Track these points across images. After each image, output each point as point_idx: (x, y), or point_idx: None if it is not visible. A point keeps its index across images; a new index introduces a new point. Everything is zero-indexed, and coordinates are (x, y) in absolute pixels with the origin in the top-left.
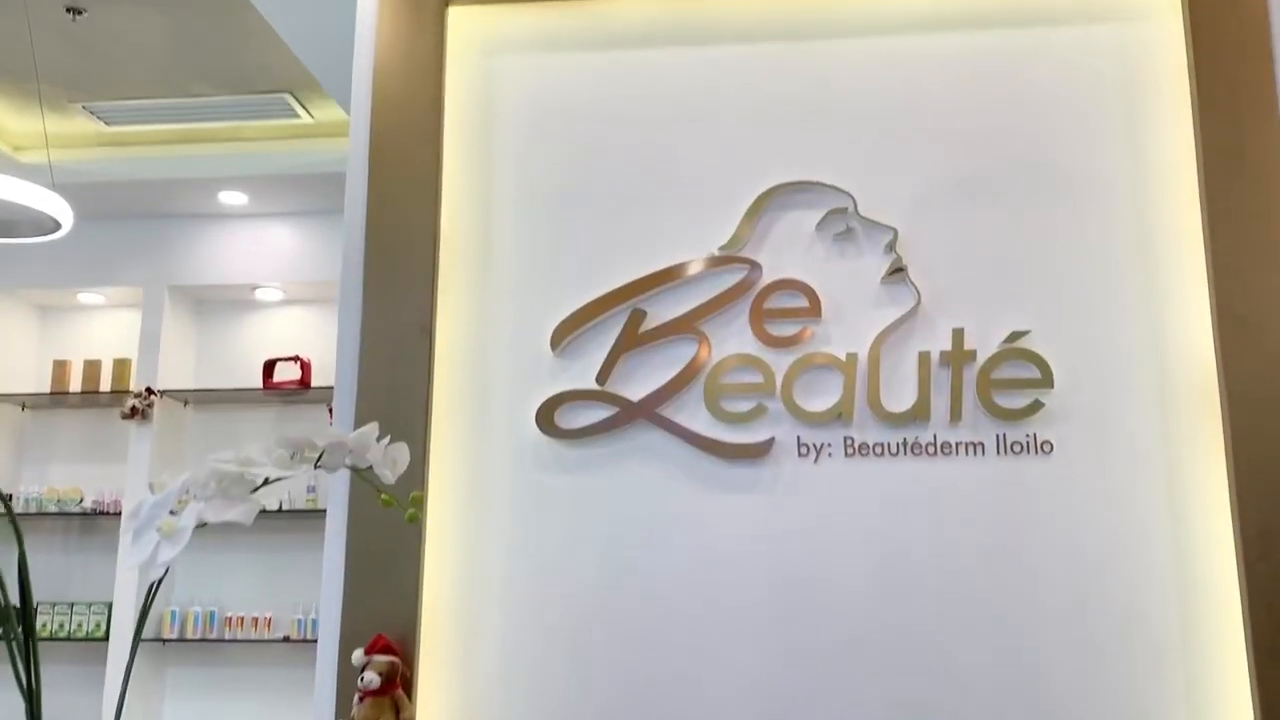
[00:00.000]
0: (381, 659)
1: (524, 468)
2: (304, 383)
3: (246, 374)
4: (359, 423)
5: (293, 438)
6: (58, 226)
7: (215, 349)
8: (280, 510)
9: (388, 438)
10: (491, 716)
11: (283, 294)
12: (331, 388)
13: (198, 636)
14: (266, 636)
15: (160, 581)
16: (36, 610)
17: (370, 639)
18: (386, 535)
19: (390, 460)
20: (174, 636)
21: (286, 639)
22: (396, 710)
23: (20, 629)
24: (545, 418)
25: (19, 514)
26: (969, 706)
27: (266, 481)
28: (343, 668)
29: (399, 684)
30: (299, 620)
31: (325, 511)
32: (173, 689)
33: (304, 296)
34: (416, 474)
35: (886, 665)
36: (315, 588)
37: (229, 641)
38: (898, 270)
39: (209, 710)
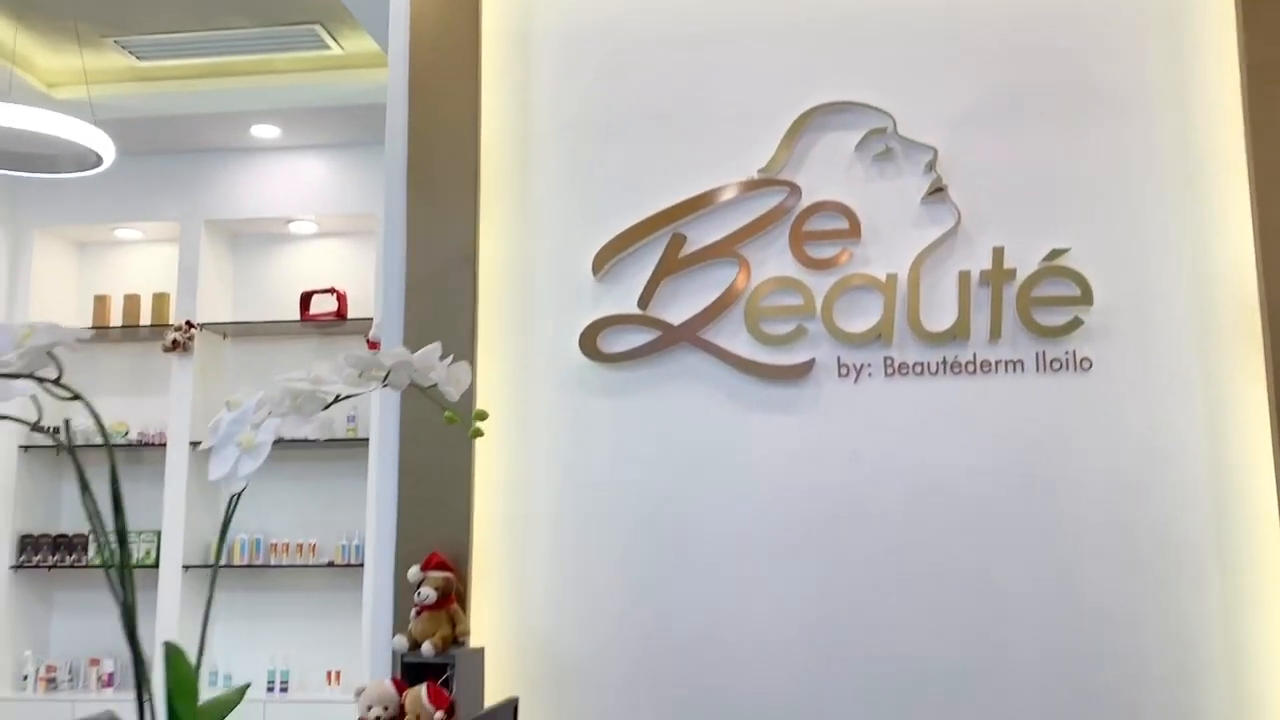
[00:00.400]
0: (437, 575)
1: (568, 392)
2: (340, 314)
3: (283, 306)
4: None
5: (361, 356)
6: (99, 161)
7: (252, 282)
8: (322, 440)
9: (450, 357)
10: (541, 630)
11: (316, 227)
12: (368, 319)
13: (244, 563)
14: (311, 562)
15: (239, 497)
16: (89, 539)
17: (425, 557)
18: (437, 459)
19: (453, 378)
20: (222, 563)
21: (330, 564)
22: (453, 623)
23: (117, 551)
24: (588, 342)
25: (60, 448)
26: (1007, 621)
27: (337, 398)
28: (399, 585)
29: (454, 599)
30: (343, 545)
31: (366, 440)
32: (222, 613)
33: (338, 229)
34: (464, 400)
35: (926, 581)
36: (358, 514)
37: (274, 567)
38: (938, 190)
39: (256, 632)
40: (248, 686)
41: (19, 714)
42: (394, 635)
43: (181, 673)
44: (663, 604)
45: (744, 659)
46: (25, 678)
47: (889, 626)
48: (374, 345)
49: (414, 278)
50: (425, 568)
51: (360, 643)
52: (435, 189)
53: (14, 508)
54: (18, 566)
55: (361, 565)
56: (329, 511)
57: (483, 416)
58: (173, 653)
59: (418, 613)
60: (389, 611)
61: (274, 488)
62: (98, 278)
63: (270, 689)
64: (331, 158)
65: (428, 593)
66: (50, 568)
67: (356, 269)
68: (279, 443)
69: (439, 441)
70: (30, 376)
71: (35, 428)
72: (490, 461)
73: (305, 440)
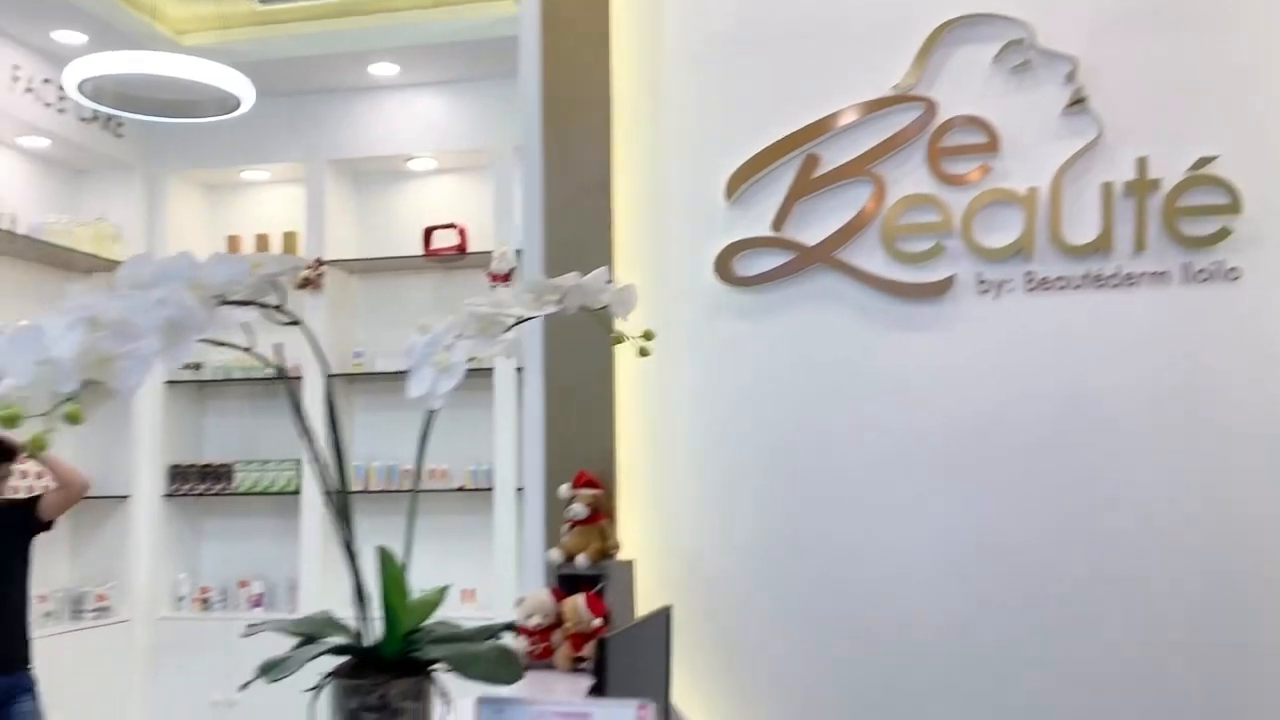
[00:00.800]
0: (586, 492)
1: (704, 315)
2: (461, 248)
3: (406, 242)
4: (548, 275)
5: (537, 282)
6: (239, 104)
7: (375, 219)
8: None
9: (618, 280)
10: (686, 546)
11: (436, 163)
12: (488, 252)
13: (379, 488)
14: (442, 487)
15: (434, 414)
16: (234, 468)
17: (573, 476)
18: (581, 384)
19: (622, 300)
20: (359, 489)
21: (460, 489)
22: (603, 538)
23: (339, 482)
24: (722, 266)
25: (207, 380)
26: (1152, 535)
27: (517, 321)
28: (549, 503)
29: (603, 515)
30: (473, 471)
31: (490, 371)
32: (359, 536)
33: (456, 165)
34: (605, 325)
35: (1070, 497)
36: (485, 442)
37: (408, 492)
38: (1079, 101)
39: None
40: (447, 589)
41: (179, 631)
42: (547, 550)
43: (393, 573)
44: (804, 521)
45: (885, 575)
46: (181, 598)
47: (1033, 542)
48: (495, 277)
49: (551, 205)
50: (575, 486)
51: (490, 563)
52: (570, 117)
53: (162, 440)
54: (169, 495)
55: (490, 489)
56: (458, 439)
57: (650, 336)
58: (385, 556)
59: (569, 528)
60: (540, 528)
61: (406, 417)
62: (229, 219)
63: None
64: (449, 94)
65: (579, 509)
66: (199, 495)
67: (476, 204)
68: (406, 374)
69: (582, 367)
70: (255, 304)
71: (249, 352)
72: (631, 385)
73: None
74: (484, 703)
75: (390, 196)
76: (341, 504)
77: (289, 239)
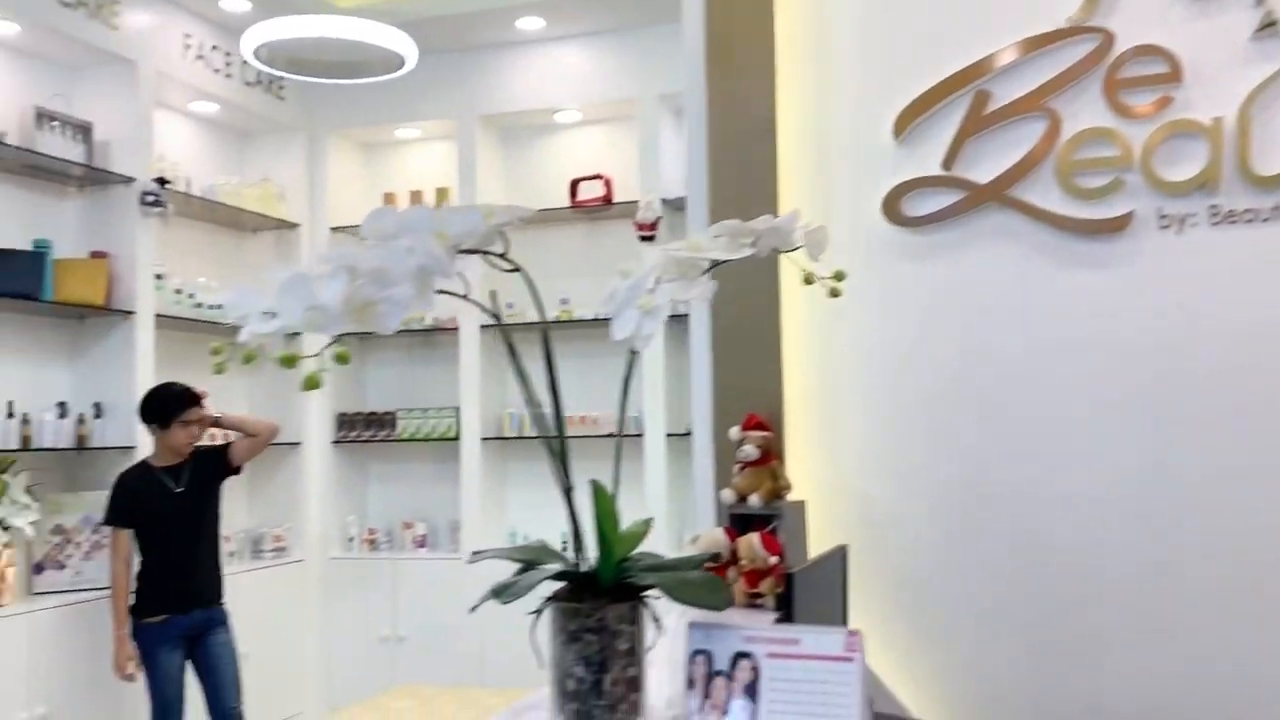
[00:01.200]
0: (756, 434)
1: (871, 256)
2: (607, 199)
3: (553, 194)
4: (713, 222)
5: (733, 225)
6: (403, 63)
7: (522, 172)
8: (595, 320)
9: (810, 221)
10: (857, 486)
11: (581, 115)
12: (634, 202)
13: (533, 434)
14: (594, 433)
15: (637, 356)
16: (396, 416)
17: (743, 419)
18: (747, 327)
19: (814, 241)
20: (513, 435)
21: (610, 435)
22: (774, 478)
23: (555, 426)
24: (890, 207)
25: (368, 333)
26: None
27: (714, 264)
28: (718, 445)
29: (773, 456)
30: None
31: None
32: (514, 480)
33: (601, 116)
34: (769, 270)
35: (1255, 437)
36: (634, 388)
37: (567, 438)
38: (1269, 25)
39: (544, 497)
40: (651, 521)
41: (350, 570)
42: (719, 490)
43: (605, 505)
44: (978, 462)
45: (1061, 513)
46: (351, 539)
47: (1217, 481)
48: (642, 227)
49: (715, 150)
50: (745, 428)
51: (639, 506)
52: (732, 60)
53: (331, 389)
54: (337, 442)
55: (640, 436)
56: (608, 387)
57: (841, 277)
58: (598, 489)
59: (740, 469)
60: (709, 470)
61: (559, 366)
62: (383, 176)
63: (564, 548)
64: (593, 46)
65: (750, 450)
66: (364, 442)
67: (621, 154)
68: (566, 324)
69: (748, 311)
70: (482, 252)
71: (467, 299)
72: (797, 329)
73: (583, 320)
74: (694, 627)
75: (537, 150)
76: (559, 446)
77: (441, 195)
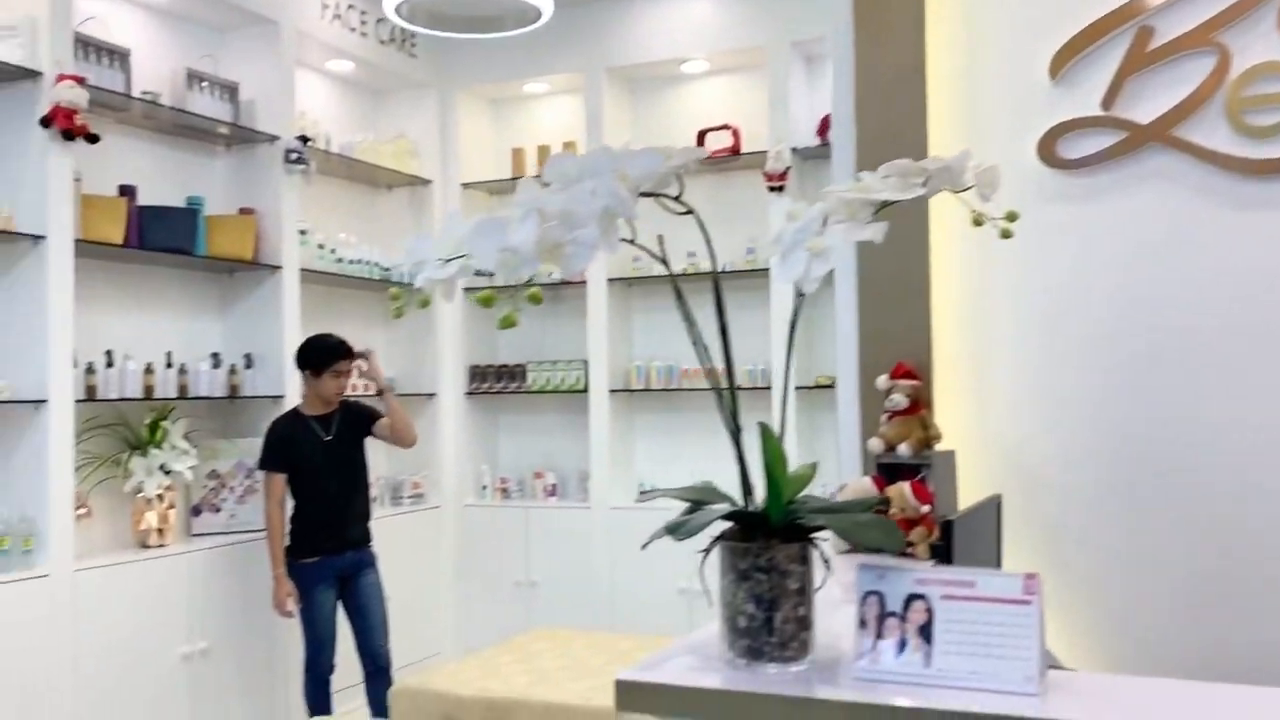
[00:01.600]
0: (905, 383)
1: (1024, 200)
2: (735, 150)
3: (680, 145)
4: (860, 168)
5: (904, 164)
6: (539, 15)
7: (649, 124)
8: (723, 271)
9: (982, 161)
10: (1008, 435)
11: (708, 65)
12: (762, 152)
13: (660, 386)
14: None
15: (802, 303)
16: (526, 368)
17: (889, 368)
18: (895, 272)
19: (986, 180)
20: (640, 387)
21: (744, 387)
22: (924, 428)
23: (726, 379)
24: (1046, 149)
25: (499, 286)
26: None
27: (884, 205)
28: (864, 394)
29: (923, 405)
30: (749, 370)
31: (766, 270)
32: (640, 432)
33: (728, 65)
34: (918, 216)
35: None
36: (759, 342)
37: (685, 390)
38: None
39: (669, 447)
40: (817, 465)
41: (483, 517)
42: (866, 440)
43: (774, 447)
44: (1135, 410)
45: (1223, 465)
46: (484, 488)
47: None
48: (771, 177)
49: (863, 94)
50: (893, 377)
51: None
52: (880, 2)
53: (462, 343)
54: (470, 393)
55: (767, 389)
56: (737, 339)
57: (1013, 217)
58: (766, 432)
59: (888, 418)
60: (854, 419)
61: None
62: (511, 131)
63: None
64: None
65: (899, 399)
66: (495, 394)
67: (748, 104)
68: (685, 277)
69: (896, 258)
70: (657, 195)
71: (633, 244)
72: (947, 275)
73: (708, 271)
74: (864, 568)
75: (664, 101)
76: (729, 390)
77: (569, 149)
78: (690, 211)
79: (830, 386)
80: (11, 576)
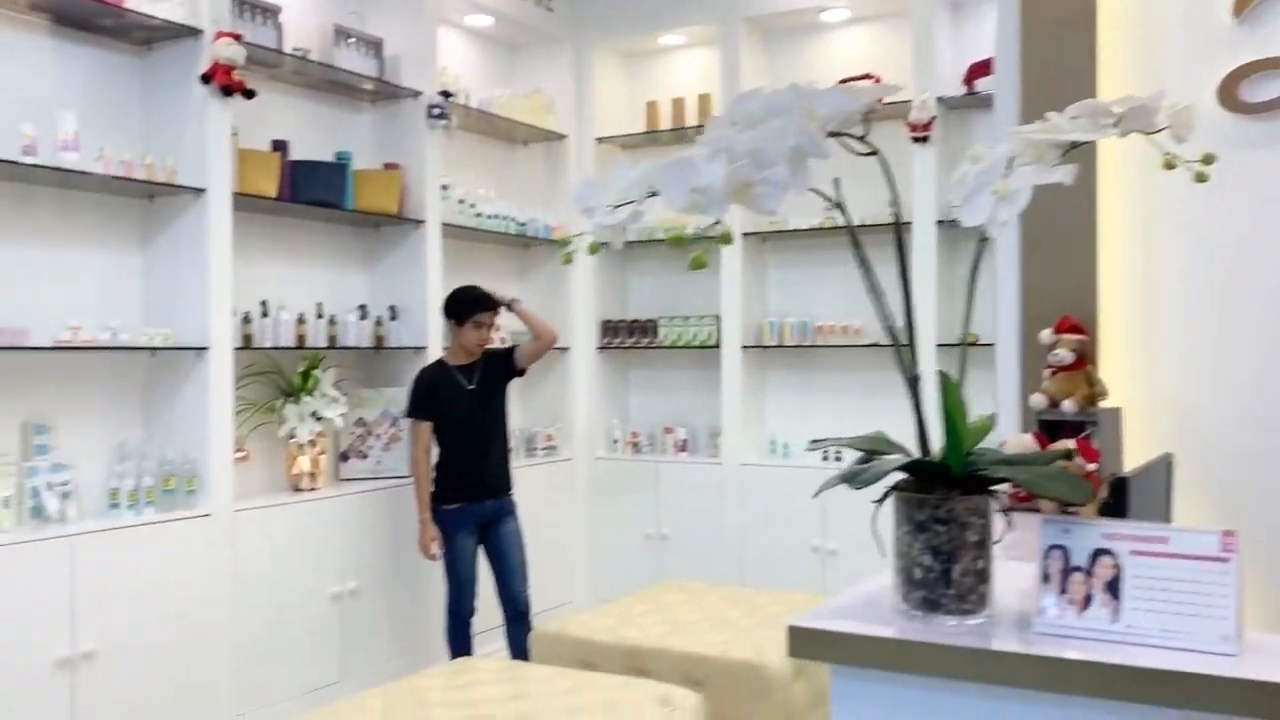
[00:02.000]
0: (1071, 338)
1: (1202, 148)
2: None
3: None
4: (1025, 116)
5: (1093, 104)
6: None
7: (787, 75)
8: (862, 225)
9: (1174, 101)
10: (1176, 394)
11: (849, 13)
12: (905, 103)
13: (793, 343)
14: (855, 342)
15: (983, 250)
16: (658, 323)
17: (1051, 322)
18: (1060, 224)
19: (1180, 121)
20: (773, 343)
21: (874, 345)
22: (1089, 384)
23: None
24: (1227, 93)
25: (632, 242)
26: None
27: (1074, 145)
28: (1025, 348)
29: (1088, 361)
30: (887, 327)
31: (909, 225)
32: (773, 388)
33: (870, 13)
34: (1085, 162)
35: None
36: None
37: (819, 347)
38: None
39: (802, 405)
40: (995, 416)
41: (614, 470)
42: (1027, 397)
43: (954, 396)
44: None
45: None
46: (615, 441)
47: None
48: (915, 127)
49: (1029, 37)
50: (1058, 331)
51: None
52: None
53: (594, 298)
54: (602, 348)
55: (908, 346)
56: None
57: (1209, 160)
58: (947, 381)
59: (1051, 374)
60: (1015, 375)
61: (820, 274)
62: (645, 85)
63: (825, 458)
64: None
65: (1064, 354)
66: (627, 349)
67: (891, 53)
68: (821, 231)
69: (1060, 209)
70: (843, 134)
71: (835, 205)
72: (1115, 227)
73: (845, 226)
74: (1048, 522)
75: (802, 51)
76: (909, 339)
77: (703, 101)
78: (875, 152)
79: (975, 345)
80: (177, 515)
